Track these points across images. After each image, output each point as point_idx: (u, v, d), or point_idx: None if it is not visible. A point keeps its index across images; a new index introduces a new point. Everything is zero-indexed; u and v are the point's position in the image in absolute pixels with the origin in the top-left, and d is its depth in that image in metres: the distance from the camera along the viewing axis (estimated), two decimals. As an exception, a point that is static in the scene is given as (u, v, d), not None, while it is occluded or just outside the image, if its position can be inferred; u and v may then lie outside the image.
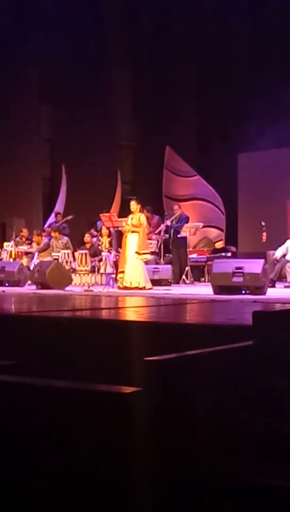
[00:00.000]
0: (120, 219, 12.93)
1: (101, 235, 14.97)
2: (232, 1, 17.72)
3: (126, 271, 11.75)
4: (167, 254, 15.08)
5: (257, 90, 15.59)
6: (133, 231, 11.95)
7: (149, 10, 19.03)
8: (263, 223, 14.13)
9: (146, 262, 12.18)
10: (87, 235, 14.89)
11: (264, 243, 14.38)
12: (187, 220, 14.67)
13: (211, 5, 18.33)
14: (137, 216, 12.08)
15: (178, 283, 13.57)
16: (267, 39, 17.15)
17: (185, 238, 14.13)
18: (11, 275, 13.14)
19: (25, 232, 16.03)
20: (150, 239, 14.01)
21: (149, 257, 12.63)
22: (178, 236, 14.32)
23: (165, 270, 13.34)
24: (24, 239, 15.99)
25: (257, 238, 17.42)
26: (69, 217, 16.32)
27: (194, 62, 18.96)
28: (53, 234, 15.43)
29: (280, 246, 12.57)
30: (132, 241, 11.91)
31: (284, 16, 16.91)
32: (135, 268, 11.76)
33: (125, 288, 11.56)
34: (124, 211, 13.50)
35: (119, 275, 11.91)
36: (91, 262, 13.78)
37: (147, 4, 19.02)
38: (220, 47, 18.18)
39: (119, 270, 12.02)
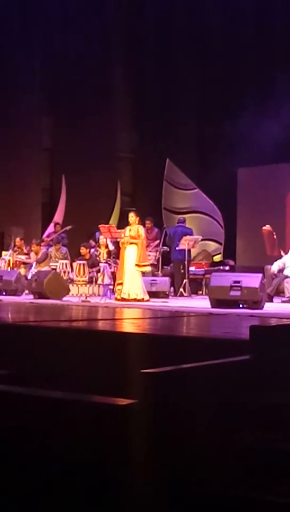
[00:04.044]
0: (119, 230, 12.94)
1: (99, 246, 14.99)
2: (236, 14, 17.78)
3: (124, 282, 11.74)
4: (165, 266, 15.09)
5: (259, 105, 15.64)
6: (131, 243, 11.95)
7: (151, 23, 19.12)
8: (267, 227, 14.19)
9: (144, 274, 12.18)
10: (82, 247, 14.80)
11: (267, 255, 14.44)
12: (189, 233, 14.70)
13: (214, 20, 18.40)
14: (135, 228, 12.08)
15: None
16: (273, 54, 17.21)
17: (183, 251, 14.13)
18: (9, 284, 13.13)
19: (19, 243, 15.90)
20: (149, 251, 14.03)
21: (149, 269, 12.65)
22: (177, 249, 14.34)
23: (163, 282, 13.34)
24: (19, 249, 15.92)
25: (256, 252, 17.49)
26: (68, 228, 16.34)
27: (195, 75, 19.01)
28: (54, 247, 15.43)
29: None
30: (130, 253, 11.90)
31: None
32: (134, 280, 11.75)
33: (123, 299, 11.55)
34: (123, 223, 13.51)
35: (118, 287, 11.90)
36: (89, 272, 13.78)
37: (148, 18, 19.12)
38: (222, 61, 18.25)
39: (118, 282, 12.00)
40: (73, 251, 15.55)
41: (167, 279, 13.61)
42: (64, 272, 14.22)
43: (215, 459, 3.36)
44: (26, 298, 12.52)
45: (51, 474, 2.77)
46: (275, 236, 17.11)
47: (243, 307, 9.78)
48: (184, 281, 13.76)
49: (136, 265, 11.81)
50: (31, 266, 15.24)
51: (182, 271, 14.06)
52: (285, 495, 3.22)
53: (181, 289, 13.65)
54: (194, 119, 19.01)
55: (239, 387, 3.86)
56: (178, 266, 14.26)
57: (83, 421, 2.77)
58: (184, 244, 14.09)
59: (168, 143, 18.60)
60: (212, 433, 3.43)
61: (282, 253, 13.60)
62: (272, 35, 17.44)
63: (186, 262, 14.02)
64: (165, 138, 18.58)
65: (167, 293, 13.24)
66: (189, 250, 14.37)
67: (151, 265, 13.79)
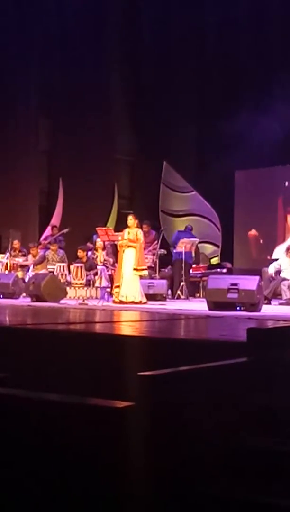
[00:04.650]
0: (116, 233, 12.94)
1: (96, 249, 14.97)
2: (235, 15, 17.79)
3: (122, 285, 11.75)
4: (162, 269, 15.08)
5: (256, 108, 15.67)
6: (129, 246, 11.95)
7: (150, 26, 19.12)
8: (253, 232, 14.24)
9: (141, 277, 12.18)
10: (79, 250, 14.77)
11: (256, 259, 14.43)
12: (186, 235, 14.70)
13: (214, 21, 18.41)
14: (134, 231, 12.08)
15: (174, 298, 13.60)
16: (271, 58, 17.23)
17: (180, 253, 14.12)
18: (6, 287, 13.12)
19: (17, 244, 15.86)
20: (146, 254, 14.01)
21: (146, 273, 12.67)
22: (174, 251, 14.35)
23: (160, 285, 13.34)
24: (16, 251, 15.88)
25: (253, 254, 17.52)
26: (65, 230, 16.32)
27: (193, 78, 19.04)
28: (51, 247, 15.41)
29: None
30: (129, 256, 11.90)
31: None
32: (132, 283, 11.76)
33: (121, 302, 11.55)
34: (121, 225, 13.51)
35: (115, 290, 11.89)
36: (86, 275, 13.77)
37: (147, 21, 19.13)
38: (220, 63, 18.26)
39: (115, 284, 12.00)
40: (70, 254, 15.53)
41: (164, 281, 13.62)
42: (62, 274, 14.19)
43: (212, 460, 3.36)
44: (24, 301, 12.52)
45: (48, 476, 2.76)
46: (261, 241, 17.17)
47: (240, 310, 9.77)
48: (181, 283, 13.76)
49: (134, 269, 11.81)
50: (29, 268, 15.23)
51: (182, 272, 14.06)
52: (283, 497, 3.22)
53: (179, 292, 13.65)
54: (191, 122, 19.02)
55: (236, 389, 3.86)
56: (179, 267, 14.26)
57: (80, 423, 2.77)
58: (181, 246, 14.09)
59: (166, 146, 18.62)
60: (209, 435, 3.43)
61: (268, 257, 13.66)
62: (270, 40, 17.44)
63: (183, 265, 14.00)
64: (163, 141, 18.60)
65: (164, 295, 13.24)
66: (191, 253, 14.39)
67: (149, 268, 13.79)
